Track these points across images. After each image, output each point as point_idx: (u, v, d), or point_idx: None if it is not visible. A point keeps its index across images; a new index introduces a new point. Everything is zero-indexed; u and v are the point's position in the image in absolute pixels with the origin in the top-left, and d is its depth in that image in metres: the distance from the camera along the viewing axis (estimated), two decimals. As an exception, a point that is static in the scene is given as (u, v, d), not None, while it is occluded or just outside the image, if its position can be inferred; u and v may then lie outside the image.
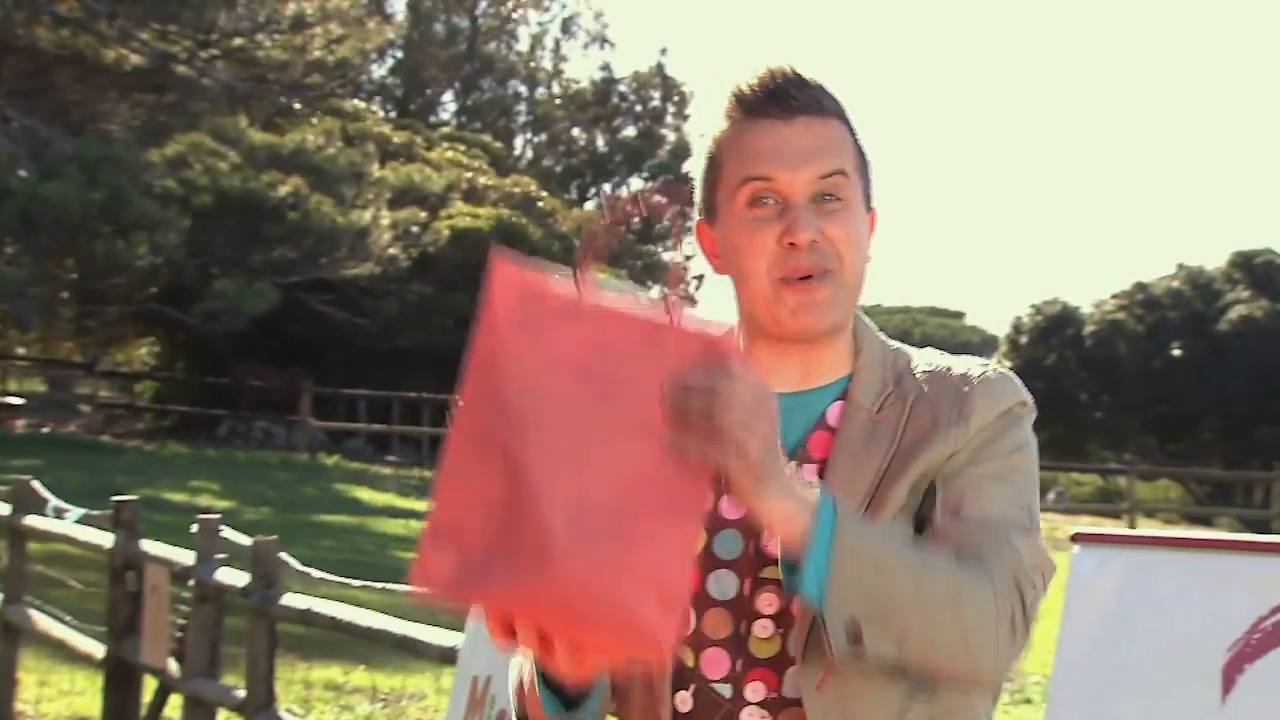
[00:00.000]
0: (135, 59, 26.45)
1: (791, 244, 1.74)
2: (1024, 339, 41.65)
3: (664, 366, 1.54)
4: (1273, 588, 2.64)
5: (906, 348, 1.88)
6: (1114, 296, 41.68)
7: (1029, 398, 1.83)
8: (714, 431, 1.52)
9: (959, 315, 70.38)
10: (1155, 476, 36.20)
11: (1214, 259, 41.98)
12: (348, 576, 7.44)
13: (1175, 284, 41.05)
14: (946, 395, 1.79)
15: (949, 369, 1.83)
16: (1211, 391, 37.31)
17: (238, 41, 27.43)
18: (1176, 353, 38.65)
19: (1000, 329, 46.34)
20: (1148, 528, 25.14)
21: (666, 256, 47.31)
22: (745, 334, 1.85)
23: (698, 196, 1.86)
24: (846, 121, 1.82)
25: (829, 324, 1.77)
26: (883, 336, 1.88)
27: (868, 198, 1.83)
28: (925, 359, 1.85)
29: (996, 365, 1.84)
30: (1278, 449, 34.65)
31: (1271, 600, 2.63)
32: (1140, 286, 41.61)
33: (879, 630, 1.62)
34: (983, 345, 52.95)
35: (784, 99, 1.77)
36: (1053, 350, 40.80)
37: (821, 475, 1.77)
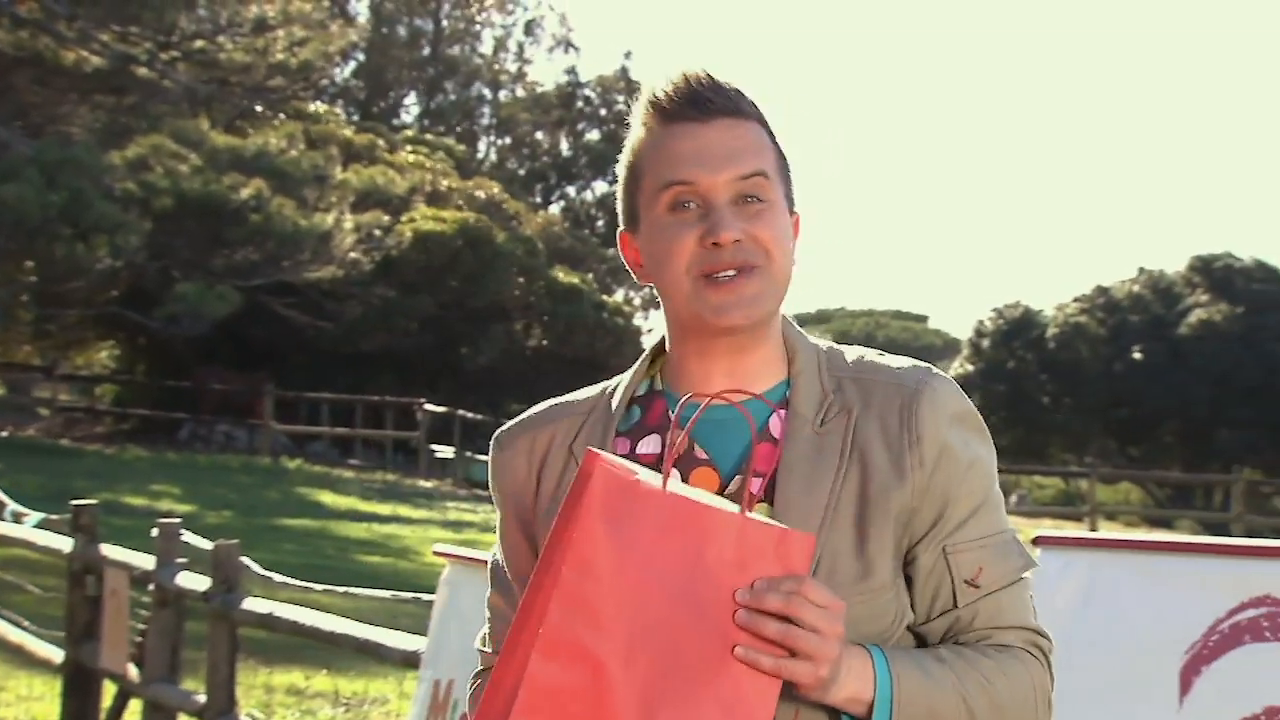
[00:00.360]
0: (95, 61, 26.28)
1: (715, 244, 1.73)
2: (986, 342, 41.84)
3: (743, 570, 1.59)
4: (1230, 590, 2.65)
5: (836, 346, 1.87)
6: (1075, 300, 41.92)
7: (967, 399, 1.83)
8: (787, 646, 1.57)
9: (922, 318, 70.78)
10: (1116, 479, 36.42)
11: (1174, 263, 42.23)
12: (310, 580, 7.42)
13: (1136, 288, 41.32)
14: (891, 411, 1.78)
15: (885, 374, 1.81)
16: (1171, 395, 37.56)
17: (199, 44, 27.30)
18: (1137, 356, 38.89)
19: (963, 332, 46.52)
20: (1109, 530, 25.29)
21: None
22: (672, 343, 1.84)
23: (619, 206, 1.85)
24: (765, 125, 1.81)
25: (756, 318, 1.75)
26: (812, 338, 1.87)
27: (790, 201, 1.82)
28: (858, 357, 1.84)
29: (931, 369, 1.83)
30: (1237, 452, 34.92)
31: (1229, 603, 2.64)
32: (1101, 290, 41.86)
33: None
34: (945, 348, 53.20)
35: (701, 102, 1.76)
36: (1014, 353, 41.01)
37: (769, 489, 1.76)
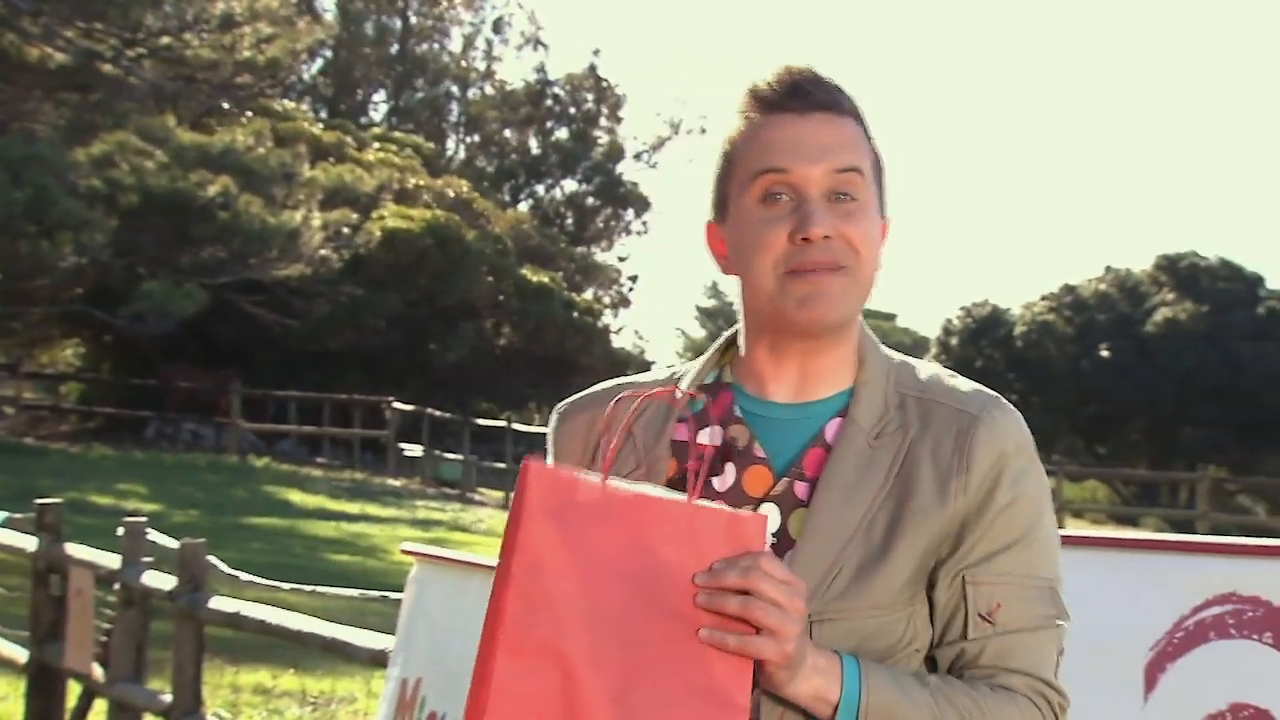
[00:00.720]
0: (60, 57, 26.10)
1: (805, 239, 1.70)
2: (954, 340, 42.03)
3: (698, 556, 1.57)
4: (1195, 587, 2.66)
5: (910, 360, 1.84)
6: (1043, 298, 42.17)
7: (1028, 434, 1.79)
8: (750, 621, 1.55)
9: (891, 317, 70.88)
10: (1083, 477, 36.61)
11: (1140, 262, 42.55)
12: (278, 579, 7.40)
13: (1103, 286, 41.57)
14: (947, 435, 1.75)
15: (950, 397, 1.78)
16: (1138, 392, 37.79)
17: (165, 40, 27.14)
18: (1104, 354, 39.12)
19: (931, 330, 46.70)
20: (1075, 528, 25.41)
21: (600, 258, 47.35)
22: (747, 336, 1.82)
23: (710, 196, 1.82)
24: (864, 125, 1.79)
25: (837, 317, 1.73)
26: (886, 350, 1.84)
27: (882, 204, 1.80)
28: (927, 376, 1.81)
29: (998, 398, 1.79)
30: (1202, 450, 35.16)
31: (1193, 600, 2.65)
32: (1068, 289, 42.11)
33: None
34: (914, 347, 53.33)
35: (802, 94, 1.74)
36: (982, 352, 41.21)
37: (810, 494, 1.74)
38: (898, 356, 1.83)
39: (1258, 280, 40.42)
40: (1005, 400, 1.79)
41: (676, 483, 1.75)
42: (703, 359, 1.88)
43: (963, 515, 1.72)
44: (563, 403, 1.91)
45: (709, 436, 1.79)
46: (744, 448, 1.77)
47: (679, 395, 1.79)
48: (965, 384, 1.80)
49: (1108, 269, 42.49)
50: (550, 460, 1.88)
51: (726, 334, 1.88)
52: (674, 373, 1.89)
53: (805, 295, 1.71)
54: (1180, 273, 40.47)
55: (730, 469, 1.77)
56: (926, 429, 1.75)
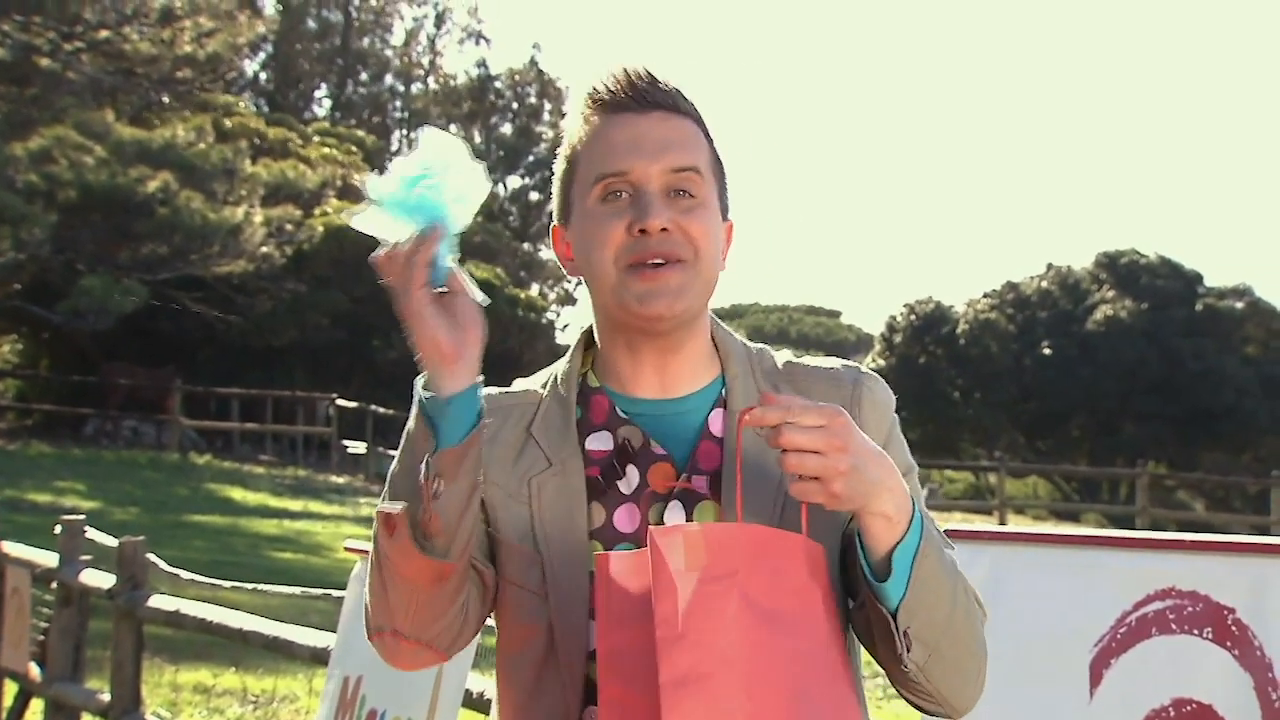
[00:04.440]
0: (-3, 50, 25.80)
1: (642, 230, 1.72)
2: (898, 337, 42.26)
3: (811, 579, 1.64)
4: (1137, 582, 2.68)
5: (765, 347, 1.88)
6: (985, 296, 42.45)
7: (894, 397, 1.86)
8: (831, 456, 1.56)
9: (835, 314, 71.35)
10: (1025, 473, 36.87)
11: (1081, 259, 42.90)
12: (219, 577, 7.32)
13: (1044, 284, 41.89)
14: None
15: (819, 374, 1.83)
16: (1079, 389, 38.11)
17: (104, 34, 26.85)
18: (1046, 351, 39.43)
19: (876, 327, 46.94)
20: (1017, 524, 25.59)
21: (544, 254, 47.27)
22: (601, 336, 1.83)
23: (555, 200, 1.85)
24: (703, 126, 1.80)
25: (679, 311, 1.74)
26: (741, 338, 1.87)
27: (724, 207, 1.81)
28: (785, 359, 1.86)
29: (861, 367, 1.85)
30: (1142, 446, 35.51)
31: (1135, 595, 2.67)
32: (1011, 286, 42.42)
33: (921, 643, 1.68)
34: (859, 344, 53.65)
35: (640, 94, 1.76)
36: (926, 349, 41.45)
37: (714, 487, 1.76)
38: (753, 345, 1.87)
39: (1196, 278, 40.86)
40: (869, 370, 1.86)
41: (592, 486, 1.77)
42: (566, 361, 1.87)
43: None
44: None
45: (598, 442, 1.80)
46: (640, 447, 1.78)
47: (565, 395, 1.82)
48: (826, 360, 1.87)
49: (1049, 266, 42.83)
50: None
51: (583, 332, 1.88)
52: (543, 380, 1.88)
53: (645, 292, 1.73)
54: (1120, 270, 40.84)
55: (633, 470, 1.78)
56: None
